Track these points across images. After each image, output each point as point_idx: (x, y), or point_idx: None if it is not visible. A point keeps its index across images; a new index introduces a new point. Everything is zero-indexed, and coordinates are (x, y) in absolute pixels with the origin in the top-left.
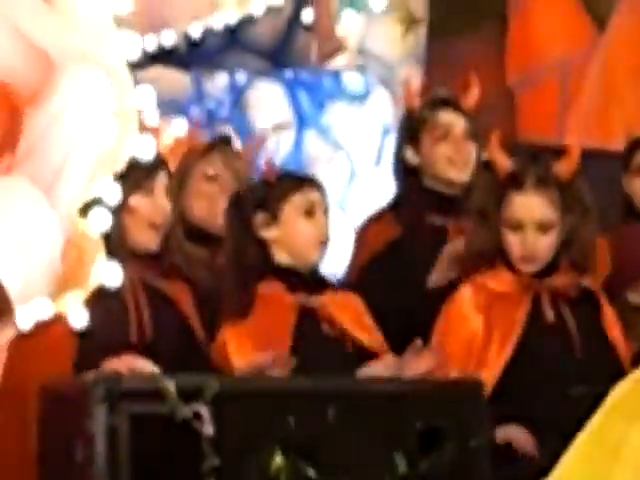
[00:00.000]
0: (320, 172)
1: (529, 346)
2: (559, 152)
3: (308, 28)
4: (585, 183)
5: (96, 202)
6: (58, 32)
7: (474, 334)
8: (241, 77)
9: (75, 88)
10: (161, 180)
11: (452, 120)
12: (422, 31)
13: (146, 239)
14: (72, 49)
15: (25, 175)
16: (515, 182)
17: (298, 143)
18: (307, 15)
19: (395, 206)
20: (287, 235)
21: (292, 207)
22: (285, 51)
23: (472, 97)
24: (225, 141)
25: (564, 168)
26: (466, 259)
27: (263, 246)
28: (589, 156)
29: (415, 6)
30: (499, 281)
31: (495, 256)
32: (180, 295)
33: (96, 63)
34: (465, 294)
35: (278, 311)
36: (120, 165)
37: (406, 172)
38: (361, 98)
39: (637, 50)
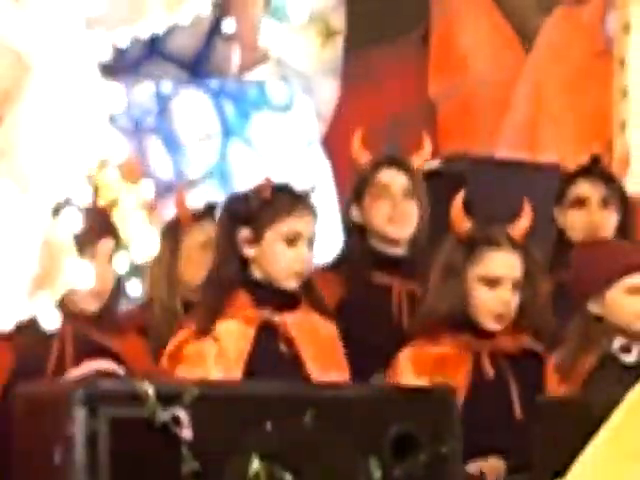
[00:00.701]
0: (245, 182)
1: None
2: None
3: (229, 38)
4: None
5: (66, 203)
6: (29, 32)
7: None
8: (167, 86)
9: (48, 88)
10: (105, 246)
11: (392, 178)
12: (340, 43)
13: (86, 304)
14: (44, 50)
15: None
16: (488, 240)
17: (223, 153)
18: (228, 25)
19: (340, 264)
20: (265, 258)
21: (276, 233)
22: (205, 61)
23: (422, 156)
24: (212, 208)
25: (519, 230)
26: (431, 317)
27: (244, 262)
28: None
29: (333, 18)
30: (439, 344)
31: (461, 314)
32: (127, 349)
33: (67, 63)
34: (403, 360)
35: (239, 323)
36: (91, 165)
37: (352, 230)
38: (285, 108)
39: (565, 67)
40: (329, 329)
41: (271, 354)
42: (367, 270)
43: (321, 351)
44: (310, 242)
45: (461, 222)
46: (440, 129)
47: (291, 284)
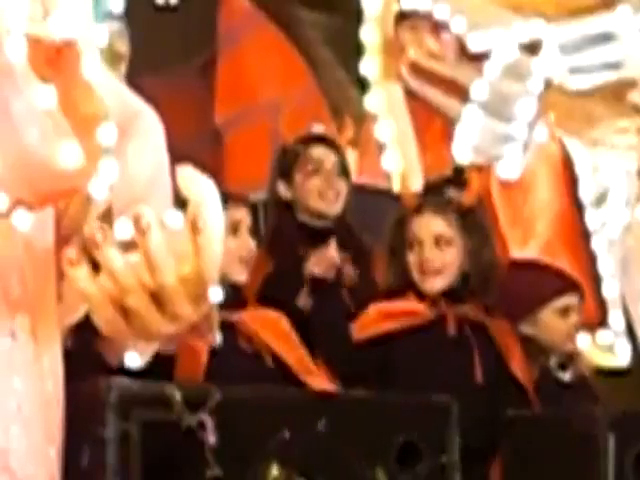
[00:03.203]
0: None
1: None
2: None
3: None
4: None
5: None
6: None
7: None
8: None
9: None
10: None
11: (323, 155)
12: (124, 69)
13: None
14: None
15: None
16: (416, 210)
17: None
18: None
19: (268, 240)
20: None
21: None
22: None
23: (346, 135)
24: None
25: (465, 196)
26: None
27: None
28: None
29: (119, 43)
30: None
31: (404, 291)
32: None
33: None
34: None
35: None
36: None
37: (279, 207)
38: None
39: None
40: (284, 321)
41: (232, 352)
42: (294, 244)
43: (286, 341)
44: (250, 230)
45: (409, 195)
46: (227, 157)
47: (237, 274)
